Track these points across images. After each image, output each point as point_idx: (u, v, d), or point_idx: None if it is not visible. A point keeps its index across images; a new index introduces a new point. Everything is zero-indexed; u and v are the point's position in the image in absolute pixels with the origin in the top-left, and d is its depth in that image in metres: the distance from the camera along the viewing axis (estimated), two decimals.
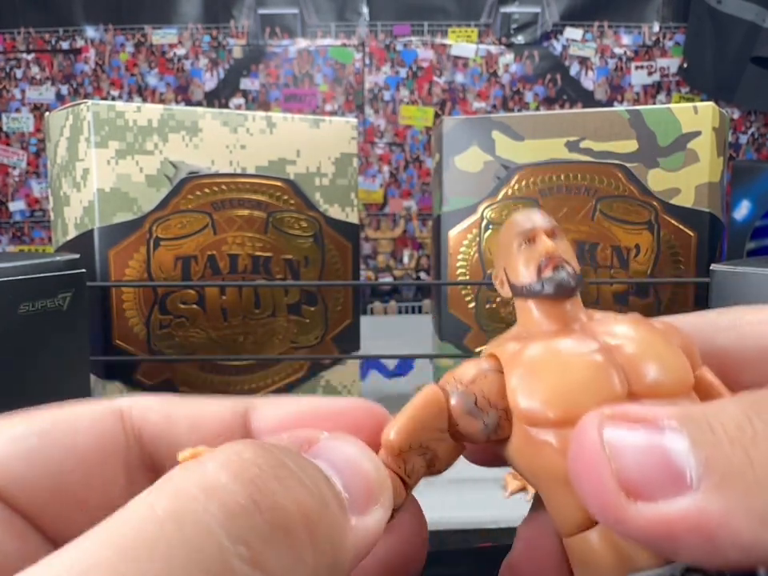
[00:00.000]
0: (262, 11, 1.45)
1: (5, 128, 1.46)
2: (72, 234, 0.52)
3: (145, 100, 1.45)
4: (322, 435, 0.14)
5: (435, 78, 1.49)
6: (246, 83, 1.47)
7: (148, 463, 0.16)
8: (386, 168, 1.51)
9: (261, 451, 0.12)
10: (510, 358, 0.16)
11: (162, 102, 1.45)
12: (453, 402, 0.16)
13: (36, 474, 0.14)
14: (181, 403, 0.16)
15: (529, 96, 1.49)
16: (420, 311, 1.39)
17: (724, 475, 0.11)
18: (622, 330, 0.16)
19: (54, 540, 0.14)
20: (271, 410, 0.17)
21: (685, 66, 1.46)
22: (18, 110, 1.46)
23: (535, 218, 0.17)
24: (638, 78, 1.48)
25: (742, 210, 0.99)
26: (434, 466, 0.16)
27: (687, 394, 0.16)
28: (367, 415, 0.16)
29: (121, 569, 0.09)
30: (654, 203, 0.53)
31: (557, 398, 0.15)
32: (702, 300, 0.53)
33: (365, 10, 1.46)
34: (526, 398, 0.15)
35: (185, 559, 0.10)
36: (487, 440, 0.16)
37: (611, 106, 1.46)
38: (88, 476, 0.15)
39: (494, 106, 1.49)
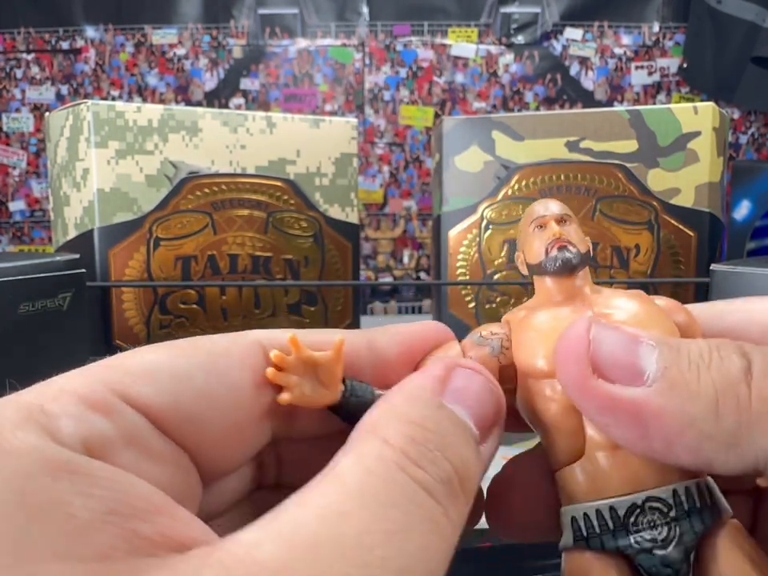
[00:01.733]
0: (262, 11, 1.45)
1: (5, 128, 1.46)
2: (72, 234, 0.52)
3: (145, 100, 1.44)
4: (454, 366, 0.17)
5: (435, 78, 1.49)
6: (245, 83, 1.47)
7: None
8: (386, 168, 1.51)
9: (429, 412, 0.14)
10: (518, 322, 0.20)
11: (162, 102, 1.45)
12: (465, 340, 0.20)
13: (202, 412, 0.15)
14: (310, 335, 0.18)
15: (529, 96, 1.49)
16: (420, 311, 1.39)
17: (673, 383, 0.14)
18: (619, 302, 0.19)
19: (206, 474, 0.15)
20: (386, 340, 0.19)
21: (685, 66, 1.46)
22: (18, 110, 1.46)
23: (548, 206, 0.21)
24: (638, 78, 1.48)
25: (742, 210, 0.99)
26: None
27: None
28: (443, 336, 0.19)
29: (364, 515, 0.11)
30: (654, 203, 0.53)
31: (549, 355, 0.18)
32: (701, 300, 0.53)
33: (365, 10, 1.46)
34: (526, 354, 0.19)
35: (405, 508, 0.12)
36: (499, 365, 0.19)
37: (611, 106, 1.46)
38: (244, 412, 0.16)
39: (494, 106, 1.49)
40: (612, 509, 0.17)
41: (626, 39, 1.47)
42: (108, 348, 0.51)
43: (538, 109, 1.48)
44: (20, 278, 0.35)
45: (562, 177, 0.53)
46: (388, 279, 1.42)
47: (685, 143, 0.51)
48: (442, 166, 0.58)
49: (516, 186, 0.56)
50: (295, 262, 0.57)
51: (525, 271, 0.21)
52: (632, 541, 0.16)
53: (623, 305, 0.19)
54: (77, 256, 0.39)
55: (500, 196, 0.57)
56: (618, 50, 1.47)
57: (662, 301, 0.20)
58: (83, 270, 0.39)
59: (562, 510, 0.18)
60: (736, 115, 1.48)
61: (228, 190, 0.54)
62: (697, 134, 0.50)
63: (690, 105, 0.51)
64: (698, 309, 0.19)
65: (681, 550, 0.16)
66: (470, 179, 0.57)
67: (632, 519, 0.17)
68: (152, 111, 0.51)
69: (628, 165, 0.53)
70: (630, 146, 0.53)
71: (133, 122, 0.50)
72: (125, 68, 1.45)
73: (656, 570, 0.16)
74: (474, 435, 0.15)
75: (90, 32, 1.44)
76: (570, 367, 0.15)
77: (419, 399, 0.15)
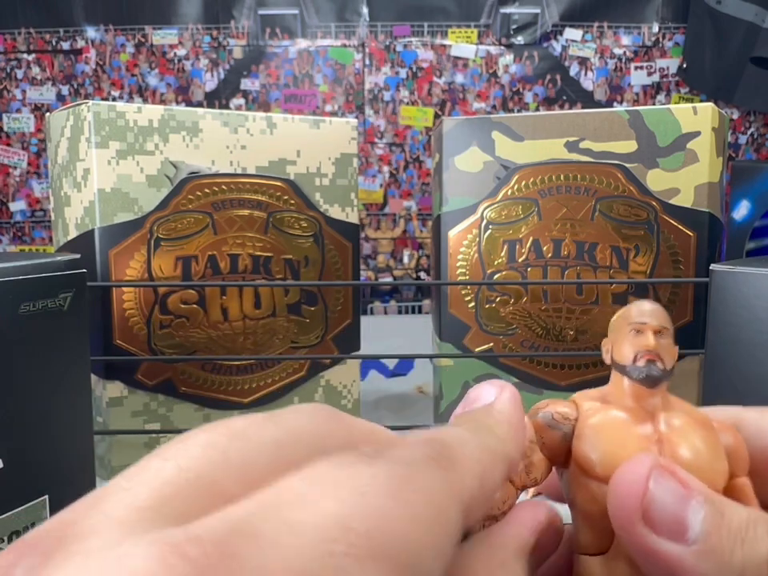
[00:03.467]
0: (262, 12, 1.45)
1: (6, 128, 1.46)
2: (73, 234, 0.52)
3: (145, 100, 1.45)
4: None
5: (435, 79, 1.49)
6: (246, 84, 1.47)
7: None
8: (386, 168, 1.51)
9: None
10: (586, 411, 0.21)
11: (162, 102, 1.45)
12: (536, 419, 0.21)
13: None
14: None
15: (529, 96, 1.49)
16: (420, 311, 1.39)
17: (712, 549, 0.15)
18: (686, 430, 0.20)
19: None
20: None
21: (684, 66, 1.46)
22: (18, 111, 1.46)
23: (651, 314, 0.22)
24: (638, 78, 1.48)
25: (742, 210, 0.99)
26: (531, 473, 0.21)
27: (714, 490, 0.19)
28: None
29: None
30: (654, 203, 0.53)
31: (606, 461, 0.19)
32: (701, 300, 0.53)
33: (365, 10, 1.46)
34: (586, 450, 0.20)
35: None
36: (568, 449, 0.21)
37: (611, 106, 1.46)
38: None
39: (494, 107, 1.49)
40: None
41: (625, 40, 1.47)
42: (108, 348, 0.51)
43: (537, 109, 1.48)
44: (20, 277, 0.35)
45: (562, 177, 0.53)
46: (388, 279, 1.42)
47: (684, 143, 0.51)
48: (442, 166, 0.58)
49: (516, 186, 0.56)
50: (295, 262, 0.57)
51: (608, 360, 0.22)
52: None
53: (689, 435, 0.20)
54: (77, 256, 0.39)
55: (500, 196, 0.57)
56: (617, 51, 1.47)
57: (718, 423, 0.21)
58: (84, 270, 0.39)
59: None
60: (735, 115, 1.48)
61: (228, 190, 0.54)
62: (696, 134, 0.50)
63: (689, 105, 0.52)
64: (754, 423, 0.21)
65: None
66: (470, 179, 0.57)
67: None
68: (152, 111, 0.51)
69: (627, 165, 0.53)
70: (630, 146, 0.53)
71: (133, 123, 0.50)
72: (125, 68, 1.45)
73: None
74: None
75: (91, 32, 1.44)
76: (621, 506, 0.16)
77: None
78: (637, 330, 0.21)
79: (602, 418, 0.21)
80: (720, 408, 0.22)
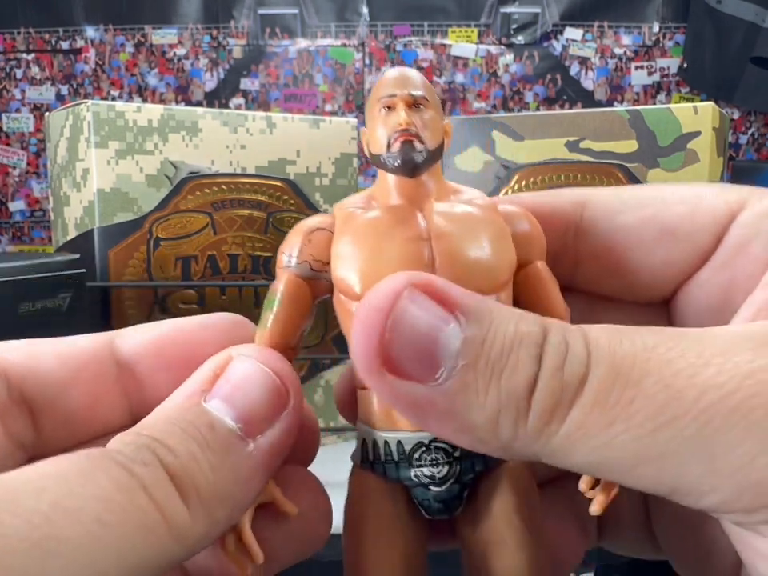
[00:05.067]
0: (262, 11, 1.45)
1: (5, 128, 1.46)
2: (72, 234, 0.52)
3: (145, 100, 1.44)
4: (228, 359, 0.16)
5: (435, 78, 1.49)
6: (246, 83, 1.47)
7: (17, 399, 0.17)
8: None
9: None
10: (344, 221, 0.17)
11: (162, 102, 1.45)
12: (292, 269, 0.17)
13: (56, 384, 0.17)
14: (46, 342, 0.18)
15: (529, 96, 1.49)
16: None
17: (464, 387, 0.13)
18: (454, 218, 0.17)
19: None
20: (137, 336, 0.18)
21: (685, 66, 1.46)
22: (18, 110, 1.46)
23: (400, 81, 0.17)
24: (638, 78, 1.48)
25: None
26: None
27: (494, 292, 0.17)
28: (232, 326, 0.18)
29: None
30: None
31: (364, 277, 0.16)
32: None
33: (365, 10, 1.46)
34: (340, 269, 0.17)
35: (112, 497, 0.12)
36: (313, 285, 0.18)
37: (611, 106, 1.46)
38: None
39: (494, 106, 1.49)
40: (399, 443, 0.17)
41: (625, 39, 1.47)
42: None
43: (538, 109, 1.48)
44: (20, 278, 0.35)
45: (562, 177, 0.53)
46: None
47: (685, 143, 0.51)
48: (442, 166, 0.57)
49: (516, 186, 0.56)
50: None
51: (367, 153, 0.18)
52: (412, 474, 0.17)
53: (463, 227, 0.17)
54: (77, 256, 0.39)
55: (500, 195, 0.57)
56: (617, 50, 1.47)
57: (510, 207, 0.18)
58: (83, 270, 0.39)
59: (357, 423, 0.18)
60: (736, 115, 1.48)
61: (228, 190, 0.54)
62: (697, 133, 0.50)
63: (689, 105, 0.51)
64: (597, 197, 0.19)
65: (456, 487, 0.17)
66: (470, 179, 0.57)
67: (416, 455, 0.17)
68: (152, 111, 0.51)
69: (628, 165, 0.53)
70: (630, 146, 0.53)
71: (133, 122, 0.50)
72: (125, 68, 1.45)
73: (428, 503, 0.17)
74: (233, 432, 0.14)
75: (90, 32, 1.44)
76: (359, 350, 0.14)
77: (182, 402, 0.15)
78: (387, 106, 0.17)
79: (358, 227, 0.17)
80: (563, 191, 0.19)
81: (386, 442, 0.17)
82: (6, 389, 0.16)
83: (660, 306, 0.19)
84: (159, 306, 0.53)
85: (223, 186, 0.54)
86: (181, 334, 0.18)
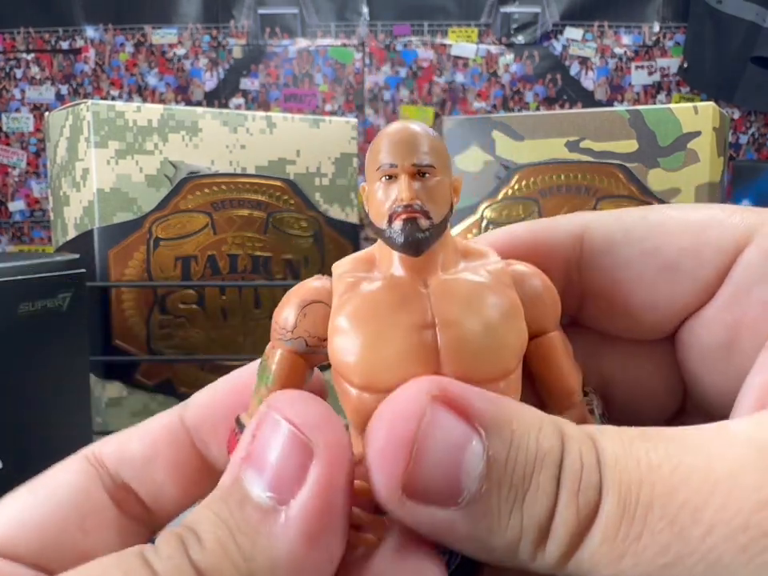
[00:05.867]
0: (261, 11, 1.45)
1: (5, 128, 1.46)
2: (72, 234, 0.52)
3: (145, 100, 1.44)
4: (259, 422, 0.15)
5: (435, 78, 1.49)
6: (245, 83, 1.47)
7: (121, 484, 0.18)
8: None
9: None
10: (343, 292, 0.16)
11: (161, 101, 1.45)
12: (289, 349, 0.16)
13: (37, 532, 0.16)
14: (131, 430, 0.19)
15: (529, 96, 1.49)
16: None
17: (485, 512, 0.13)
18: (464, 300, 0.15)
19: None
20: (197, 401, 0.19)
21: (685, 65, 1.46)
22: (17, 110, 1.46)
23: (403, 150, 0.15)
24: (638, 77, 1.47)
25: None
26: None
27: (503, 379, 0.16)
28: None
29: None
30: (655, 203, 0.53)
31: (363, 367, 0.15)
32: None
33: (365, 9, 1.46)
34: (339, 353, 0.15)
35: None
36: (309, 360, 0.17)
37: (611, 105, 1.46)
38: (80, 520, 0.17)
39: (494, 106, 1.49)
40: None
41: (626, 39, 1.47)
42: (108, 348, 0.51)
43: (538, 109, 1.48)
44: (20, 278, 0.35)
45: (562, 177, 0.53)
46: None
47: (685, 143, 0.51)
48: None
49: (516, 186, 0.56)
50: (295, 262, 0.57)
51: (368, 220, 0.17)
52: None
53: (471, 305, 0.15)
54: (76, 256, 0.39)
55: (500, 196, 0.57)
56: (618, 50, 1.47)
57: (522, 268, 0.17)
58: (83, 270, 0.39)
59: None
60: (736, 115, 1.48)
61: (228, 190, 0.54)
62: (697, 133, 0.50)
63: (690, 105, 0.51)
64: (603, 227, 0.18)
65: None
66: (470, 179, 0.57)
67: None
68: (152, 111, 0.51)
69: (628, 165, 0.53)
70: (630, 145, 0.53)
71: (133, 122, 0.50)
72: (125, 68, 1.45)
73: None
74: (264, 506, 0.13)
75: (90, 32, 1.44)
76: (381, 480, 0.13)
77: (224, 476, 0.14)
78: (388, 175, 0.15)
79: (358, 305, 0.15)
80: (560, 220, 0.18)
81: None
82: (109, 478, 0.17)
83: (665, 343, 0.19)
84: (159, 306, 0.52)
85: (223, 186, 0.54)
86: (234, 389, 0.18)
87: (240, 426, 0.17)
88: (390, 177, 0.16)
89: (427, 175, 0.15)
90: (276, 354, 0.17)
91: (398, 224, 0.15)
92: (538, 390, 0.18)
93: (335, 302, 0.16)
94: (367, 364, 0.15)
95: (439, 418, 0.13)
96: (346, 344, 0.15)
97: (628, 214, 0.18)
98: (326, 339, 0.16)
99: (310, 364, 0.17)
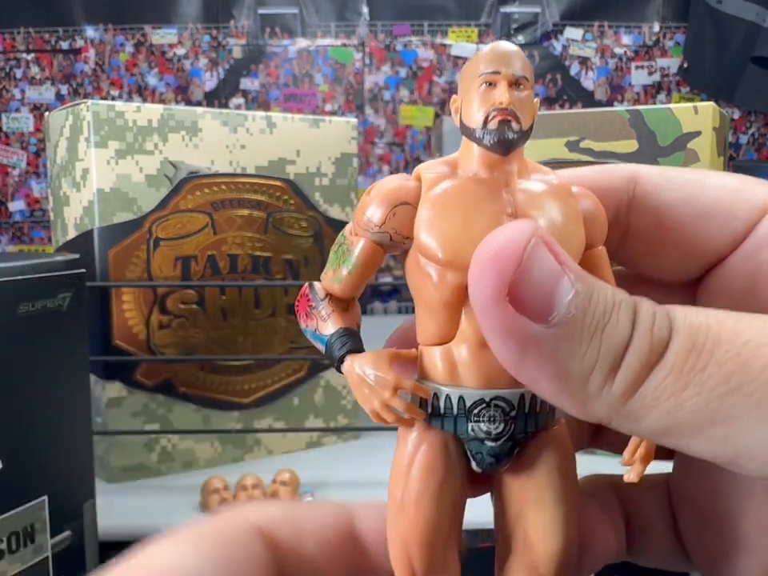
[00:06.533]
0: (261, 11, 1.45)
1: (5, 128, 1.46)
2: (72, 234, 0.52)
3: (145, 100, 1.44)
4: None
5: (435, 78, 1.49)
6: (245, 83, 1.47)
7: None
8: (386, 168, 1.51)
9: None
10: (429, 186, 0.18)
11: (161, 101, 1.45)
12: (374, 239, 0.18)
13: None
14: (303, 515, 0.19)
15: None
16: None
17: (570, 335, 0.14)
18: (536, 196, 0.18)
19: None
20: (370, 512, 0.19)
21: (685, 65, 1.46)
22: (17, 110, 1.45)
23: (505, 61, 0.18)
24: (638, 78, 1.47)
25: None
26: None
27: None
28: None
29: None
30: None
31: (450, 245, 0.17)
32: None
33: (365, 9, 1.46)
34: (426, 234, 0.17)
35: None
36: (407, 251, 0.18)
37: (611, 106, 1.46)
38: None
39: None
40: (461, 398, 0.18)
41: (626, 39, 1.47)
42: (108, 348, 0.51)
43: (538, 109, 1.48)
44: (20, 278, 0.35)
45: None
46: (388, 279, 1.42)
47: (685, 143, 0.51)
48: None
49: None
50: (295, 262, 0.57)
51: (456, 123, 0.18)
52: (469, 428, 0.18)
53: (545, 204, 0.18)
54: (76, 256, 0.39)
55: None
56: (618, 50, 1.47)
57: (581, 190, 0.19)
58: (83, 270, 0.39)
59: (415, 377, 0.19)
60: (736, 115, 1.48)
61: (228, 190, 0.54)
62: (697, 133, 0.50)
63: (690, 105, 0.51)
64: (647, 175, 0.20)
65: (509, 444, 0.18)
66: None
67: (476, 411, 0.18)
68: (152, 111, 0.51)
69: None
70: (630, 145, 0.53)
71: (133, 122, 0.50)
72: (125, 68, 1.45)
73: (481, 457, 0.18)
74: None
75: (90, 32, 1.44)
76: (486, 279, 0.15)
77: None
78: (488, 82, 0.18)
79: (445, 195, 0.18)
80: (617, 166, 0.20)
81: (447, 396, 0.18)
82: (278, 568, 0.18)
83: (688, 288, 0.20)
84: (159, 306, 0.52)
85: (223, 186, 0.54)
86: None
87: (314, 294, 0.19)
88: (490, 84, 0.18)
89: (522, 86, 0.18)
90: (359, 242, 0.19)
91: (493, 124, 0.17)
92: None
93: (424, 193, 0.18)
94: (455, 242, 0.17)
95: (539, 250, 0.15)
96: (434, 226, 0.17)
97: (671, 169, 0.20)
98: (408, 237, 0.18)
99: (386, 252, 0.19)
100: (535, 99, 0.19)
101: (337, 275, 0.19)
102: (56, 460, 0.40)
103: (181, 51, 1.45)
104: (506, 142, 0.17)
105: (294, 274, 0.57)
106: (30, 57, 1.44)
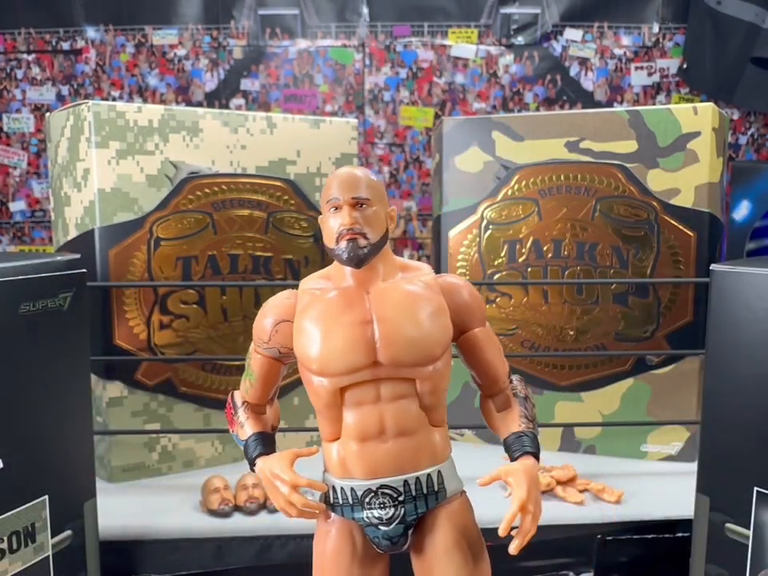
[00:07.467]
0: (262, 12, 1.45)
1: (5, 128, 1.46)
2: (72, 234, 0.52)
3: (145, 100, 1.44)
4: None
5: (435, 79, 1.49)
6: (246, 84, 1.47)
7: None
8: (386, 168, 1.51)
9: None
10: (302, 303, 0.23)
11: (162, 102, 1.45)
12: (266, 355, 0.24)
13: None
14: None
15: (529, 97, 1.49)
16: None
17: None
18: (398, 301, 0.22)
19: None
20: None
21: (684, 66, 1.46)
22: (18, 111, 1.46)
23: (344, 187, 0.22)
24: (638, 78, 1.47)
25: (742, 211, 0.99)
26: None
27: (431, 363, 0.22)
28: None
29: None
30: (654, 203, 0.53)
31: (317, 356, 0.22)
32: (701, 300, 0.53)
33: (365, 10, 1.46)
34: (298, 348, 0.23)
35: None
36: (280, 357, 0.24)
37: (611, 106, 1.46)
38: None
39: (494, 107, 1.49)
40: (353, 489, 0.22)
41: (625, 40, 1.47)
42: (108, 348, 0.51)
43: (537, 109, 1.48)
44: (20, 277, 0.35)
45: (562, 177, 0.53)
46: None
47: (684, 143, 0.51)
48: (442, 167, 0.58)
49: (516, 186, 0.56)
50: (295, 262, 0.57)
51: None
52: (364, 515, 0.22)
53: (401, 307, 0.21)
54: (77, 256, 0.39)
55: (500, 196, 0.57)
56: (617, 51, 1.47)
57: (452, 279, 0.23)
58: (84, 270, 0.39)
59: (323, 473, 0.24)
60: (736, 116, 1.48)
61: (228, 190, 0.54)
62: (696, 134, 0.50)
63: (689, 105, 0.52)
64: None
65: (401, 527, 0.22)
66: (470, 179, 0.57)
67: (367, 499, 0.22)
68: (153, 111, 0.51)
69: (628, 165, 0.53)
70: (630, 146, 0.53)
71: (133, 123, 0.50)
72: (125, 68, 1.45)
73: (378, 540, 0.22)
74: None
75: (91, 32, 1.44)
76: None
77: None
78: (334, 207, 0.22)
79: (314, 309, 0.22)
80: None
81: (341, 488, 0.23)
82: None
83: None
84: (159, 306, 0.53)
85: (223, 186, 0.54)
86: None
87: (234, 403, 0.25)
88: (337, 208, 0.22)
89: (364, 206, 0.22)
90: (257, 358, 0.24)
91: (342, 243, 0.22)
92: (473, 377, 0.25)
93: (299, 309, 0.23)
94: (321, 354, 0.22)
95: None
96: (305, 341, 0.22)
97: None
98: (292, 348, 0.23)
99: (283, 362, 0.24)
100: (390, 208, 0.22)
101: (245, 387, 0.24)
102: (57, 460, 0.40)
103: (181, 52, 1.45)
104: (356, 257, 0.21)
105: (295, 274, 0.57)
106: (31, 57, 1.44)
